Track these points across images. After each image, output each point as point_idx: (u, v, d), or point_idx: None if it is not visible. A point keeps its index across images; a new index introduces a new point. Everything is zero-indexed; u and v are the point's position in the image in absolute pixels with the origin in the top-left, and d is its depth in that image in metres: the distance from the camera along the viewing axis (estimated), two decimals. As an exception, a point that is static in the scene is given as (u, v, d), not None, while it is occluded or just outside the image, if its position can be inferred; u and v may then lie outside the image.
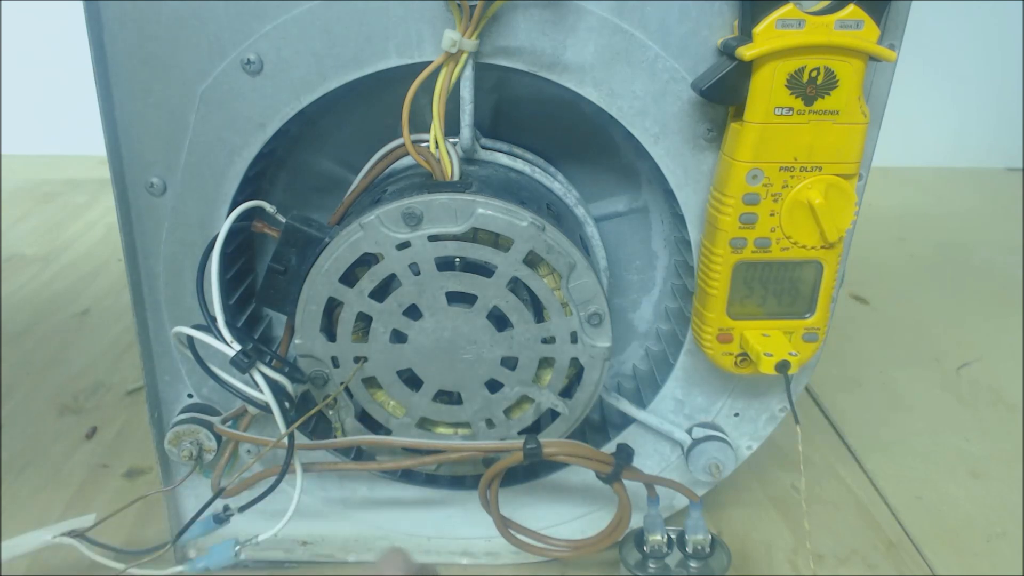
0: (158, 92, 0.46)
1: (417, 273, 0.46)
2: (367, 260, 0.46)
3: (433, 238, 0.45)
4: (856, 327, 0.99)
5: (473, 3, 0.42)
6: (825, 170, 0.45)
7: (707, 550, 0.55)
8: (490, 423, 0.51)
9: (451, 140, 0.48)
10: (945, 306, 1.06)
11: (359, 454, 0.57)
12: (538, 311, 0.48)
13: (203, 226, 0.49)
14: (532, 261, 0.46)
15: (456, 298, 0.47)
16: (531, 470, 0.58)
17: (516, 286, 0.47)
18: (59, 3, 1.45)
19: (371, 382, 0.50)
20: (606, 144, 0.56)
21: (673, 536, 0.55)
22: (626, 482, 0.51)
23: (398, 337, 0.48)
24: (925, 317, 1.03)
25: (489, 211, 0.45)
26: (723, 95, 0.45)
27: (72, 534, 0.51)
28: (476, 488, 0.52)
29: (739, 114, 0.45)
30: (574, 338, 0.48)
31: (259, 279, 0.57)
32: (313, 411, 0.49)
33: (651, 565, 0.55)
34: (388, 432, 0.51)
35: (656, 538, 0.55)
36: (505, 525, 0.53)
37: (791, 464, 0.72)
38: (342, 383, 0.49)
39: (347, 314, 0.47)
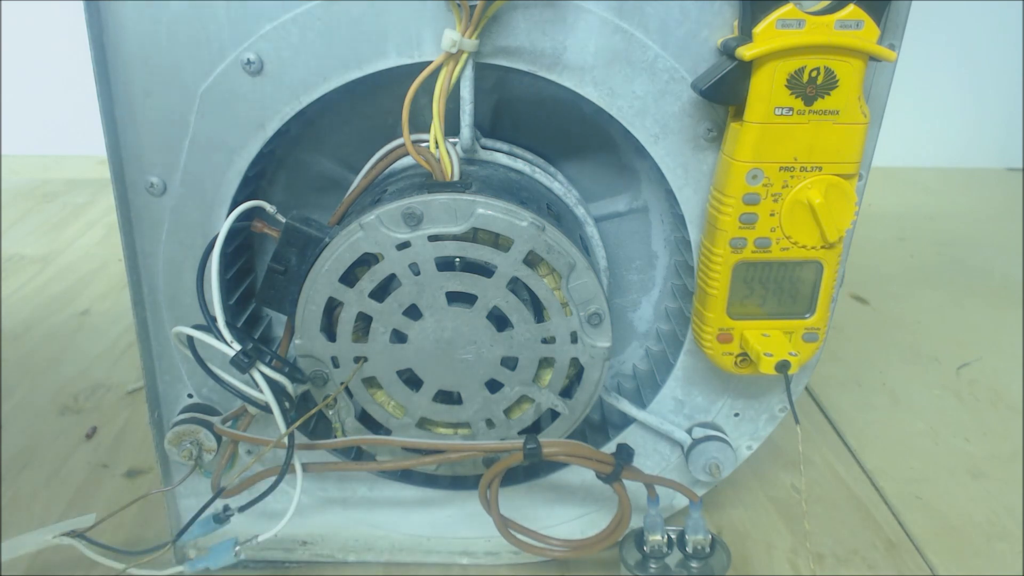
0: (158, 92, 0.46)
1: (417, 273, 0.46)
2: (367, 260, 0.46)
3: (433, 238, 0.45)
4: (856, 327, 0.99)
5: (473, 3, 0.42)
6: (825, 170, 0.45)
7: (707, 550, 0.55)
8: (490, 423, 0.51)
9: (451, 140, 0.48)
10: (945, 306, 1.06)
11: (359, 454, 0.57)
12: (538, 311, 0.48)
13: (203, 226, 0.49)
14: (532, 261, 0.46)
15: (456, 298, 0.47)
16: (531, 470, 0.58)
17: (516, 286, 0.47)
18: (59, 3, 1.45)
19: (371, 382, 0.50)
20: (606, 144, 0.56)
21: (673, 536, 0.55)
22: (626, 482, 0.51)
23: (398, 337, 0.48)
24: (925, 317, 1.03)
25: (489, 211, 0.45)
26: (723, 95, 0.45)
27: (72, 534, 0.51)
28: (476, 488, 0.52)
29: (739, 114, 0.45)
30: (574, 338, 0.48)
31: (259, 279, 0.57)
32: (313, 411, 0.49)
33: (651, 565, 0.55)
34: (388, 432, 0.51)
35: (656, 538, 0.55)
36: (505, 525, 0.53)
37: (791, 464, 0.72)
38: (342, 383, 0.49)
39: (347, 314, 0.47)
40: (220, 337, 0.46)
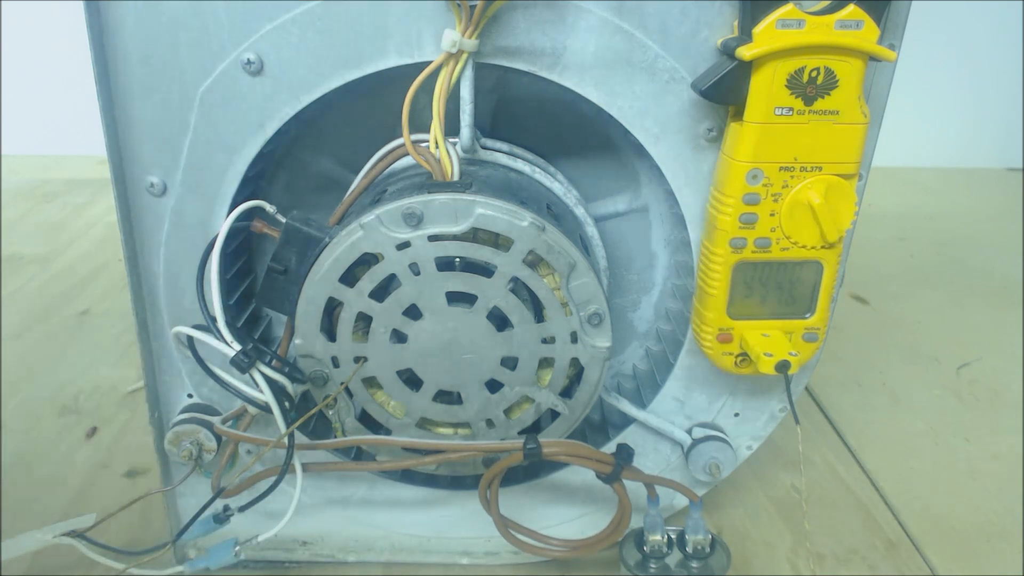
0: (158, 92, 0.46)
1: (417, 273, 0.46)
2: (367, 260, 0.46)
3: (433, 238, 0.45)
4: (856, 327, 0.99)
5: (473, 3, 0.42)
6: (825, 170, 0.45)
7: (707, 550, 0.55)
8: (490, 423, 0.51)
9: (451, 140, 0.48)
10: (945, 306, 1.06)
11: (359, 454, 0.57)
12: (538, 311, 0.48)
13: (203, 226, 0.49)
14: (532, 261, 0.46)
15: (456, 298, 0.47)
16: (531, 470, 0.58)
17: (516, 286, 0.47)
18: (59, 3, 1.45)
19: (371, 382, 0.50)
20: (606, 144, 0.56)
21: (673, 536, 0.55)
22: (626, 482, 0.51)
23: (398, 337, 0.48)
24: (925, 317, 1.03)
25: (489, 211, 0.45)
26: (723, 95, 0.45)
27: (72, 534, 0.51)
28: (476, 488, 0.52)
29: (739, 114, 0.45)
30: (574, 338, 0.48)
31: (259, 279, 0.57)
32: (313, 411, 0.49)
33: (651, 565, 0.55)
34: (388, 432, 0.51)
35: (656, 538, 0.55)
36: (505, 525, 0.53)
37: (791, 464, 0.72)
38: (342, 383, 0.49)
39: (347, 314, 0.47)
40: (220, 337, 0.46)
